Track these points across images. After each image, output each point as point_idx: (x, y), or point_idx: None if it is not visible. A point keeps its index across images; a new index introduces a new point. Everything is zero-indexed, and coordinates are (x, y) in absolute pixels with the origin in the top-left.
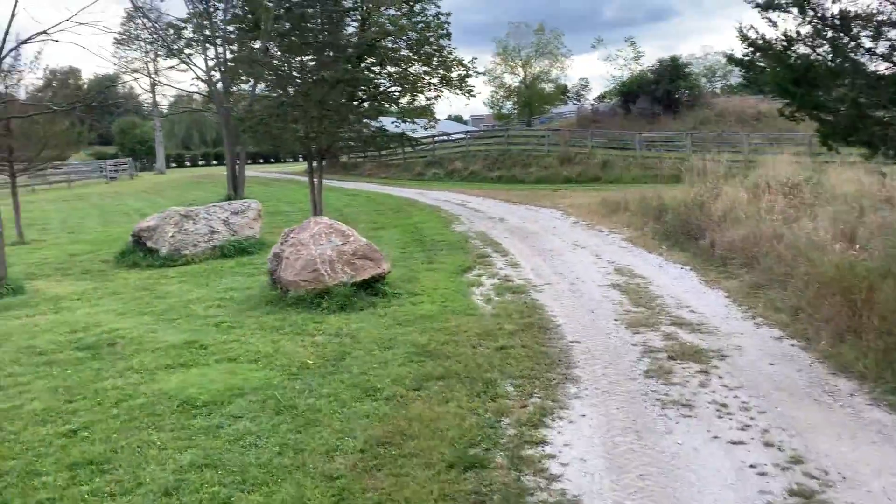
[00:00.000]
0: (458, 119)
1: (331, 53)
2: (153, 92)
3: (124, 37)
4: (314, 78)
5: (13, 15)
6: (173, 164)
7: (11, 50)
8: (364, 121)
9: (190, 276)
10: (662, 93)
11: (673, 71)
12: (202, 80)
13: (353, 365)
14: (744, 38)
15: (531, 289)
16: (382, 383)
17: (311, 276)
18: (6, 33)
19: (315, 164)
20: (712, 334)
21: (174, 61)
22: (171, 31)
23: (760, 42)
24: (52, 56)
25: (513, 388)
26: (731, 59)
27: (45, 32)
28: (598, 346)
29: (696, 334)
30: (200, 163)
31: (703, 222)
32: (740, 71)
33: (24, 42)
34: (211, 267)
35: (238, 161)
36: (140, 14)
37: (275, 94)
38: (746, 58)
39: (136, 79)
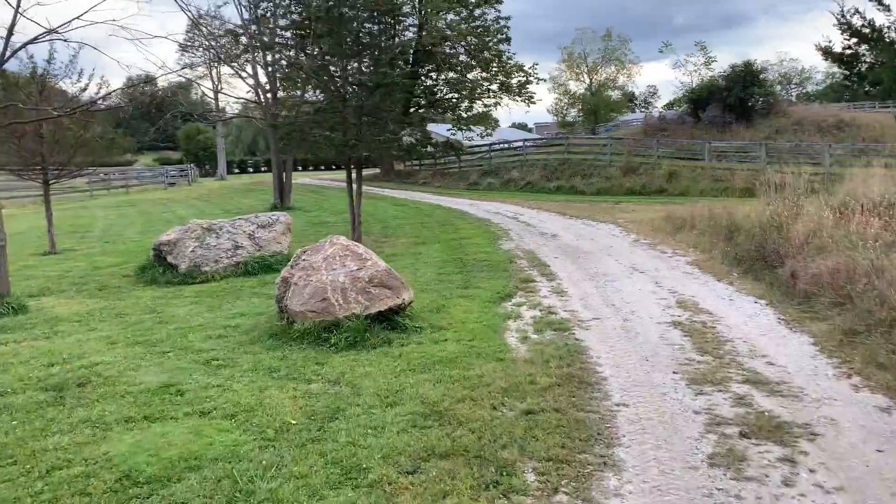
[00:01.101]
0: (523, 127)
1: (376, 55)
2: (216, 98)
3: (188, 44)
4: (353, 82)
5: (16, 14)
6: (236, 170)
7: (17, 49)
8: (406, 129)
9: (205, 296)
10: (735, 100)
11: (747, 77)
12: (251, 87)
13: (342, 429)
14: (845, 26)
15: (576, 325)
16: (371, 460)
17: (320, 305)
18: (9, 33)
19: (353, 173)
20: (797, 399)
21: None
22: (229, 37)
23: (867, 30)
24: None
25: (534, 478)
26: (827, 53)
27: (54, 31)
28: (650, 413)
29: (775, 398)
30: (263, 169)
31: (782, 247)
32: (840, 67)
33: (32, 41)
34: (230, 286)
35: (285, 169)
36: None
37: (313, 100)
38: (848, 51)
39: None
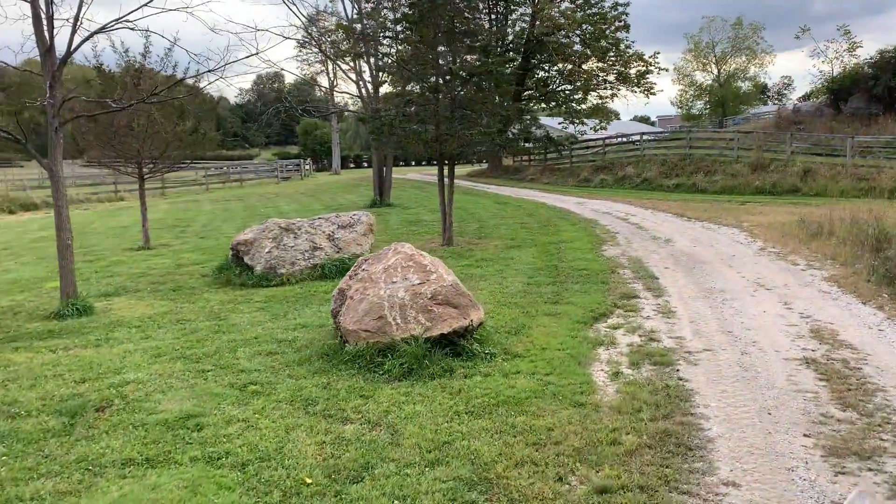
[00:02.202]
0: (644, 120)
1: (470, 43)
2: (331, 94)
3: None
4: (446, 72)
5: (81, 2)
6: (351, 165)
7: (86, 39)
8: (499, 122)
9: (275, 301)
10: (883, 90)
11: None
12: (353, 81)
13: (363, 497)
14: None
15: (682, 358)
16: None
17: (375, 324)
18: (75, 20)
19: (445, 170)
20: None
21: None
22: (339, 32)
23: None
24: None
25: None
26: None
27: (123, 19)
28: (768, 500)
29: None
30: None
31: None
32: None
33: (101, 31)
34: (303, 291)
35: (385, 164)
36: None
37: (405, 92)
38: None
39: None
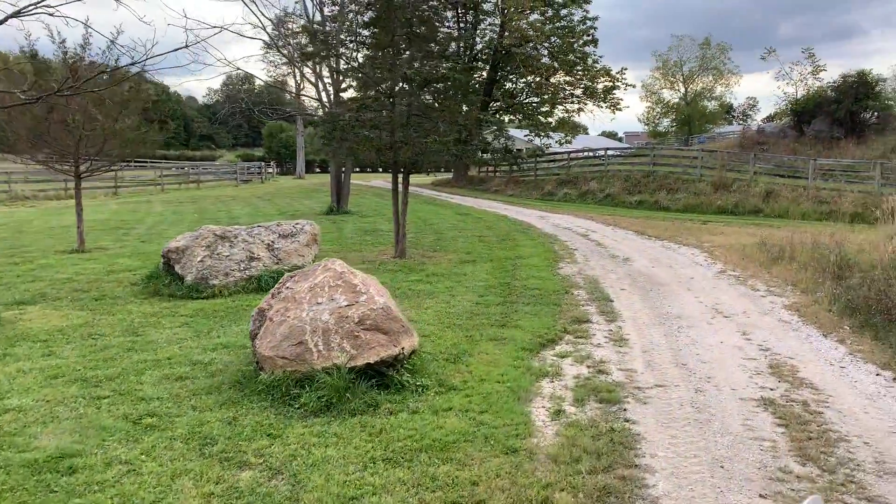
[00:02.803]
0: (612, 135)
1: (428, 48)
2: (298, 97)
3: (270, 43)
4: (402, 77)
5: None
6: (317, 170)
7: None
8: (456, 132)
9: (202, 315)
10: (845, 114)
11: (860, 88)
12: (311, 84)
13: None
14: None
15: (631, 395)
16: None
17: (294, 350)
18: None
19: (401, 178)
20: None
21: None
22: (304, 36)
23: None
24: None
25: None
26: None
27: (43, 4)
28: None
29: None
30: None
31: None
32: None
33: (18, 14)
34: (236, 304)
35: (344, 170)
36: (285, 20)
37: (362, 97)
38: None
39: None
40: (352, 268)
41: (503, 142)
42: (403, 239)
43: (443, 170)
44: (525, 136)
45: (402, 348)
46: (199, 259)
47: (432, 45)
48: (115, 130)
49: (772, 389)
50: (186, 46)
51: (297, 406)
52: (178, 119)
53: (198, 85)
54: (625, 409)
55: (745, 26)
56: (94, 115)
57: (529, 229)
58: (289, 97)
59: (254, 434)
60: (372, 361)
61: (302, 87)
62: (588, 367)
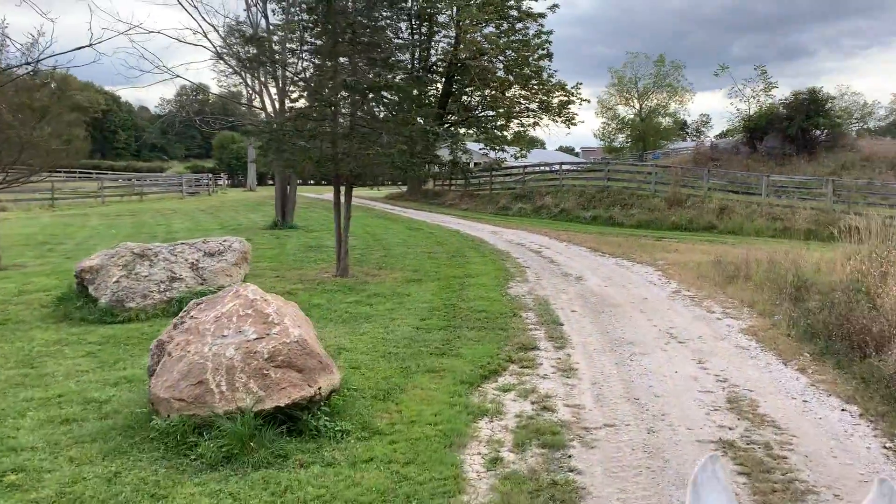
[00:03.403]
0: (569, 151)
1: (372, 56)
2: (249, 107)
3: (219, 50)
4: (343, 84)
5: None
6: (269, 182)
7: None
8: (401, 143)
9: (112, 343)
10: (796, 130)
11: (811, 106)
12: (255, 93)
13: None
14: None
15: (577, 438)
16: None
17: (193, 392)
18: None
19: (342, 192)
20: None
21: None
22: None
23: None
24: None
25: None
26: None
27: None
28: None
29: None
30: (298, 182)
31: (876, 324)
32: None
33: None
34: (152, 329)
35: (289, 182)
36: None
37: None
38: None
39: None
40: (266, 294)
41: (458, 155)
42: (346, 256)
43: (388, 183)
44: (480, 149)
45: (319, 388)
46: (114, 279)
47: (377, 52)
48: (32, 139)
49: (731, 429)
50: (90, 45)
51: (193, 457)
52: (128, 129)
53: (149, 94)
54: (570, 456)
55: (699, 45)
56: (7, 123)
57: (481, 245)
58: (243, 108)
59: (134, 496)
60: (282, 404)
61: (252, 97)
62: (532, 402)
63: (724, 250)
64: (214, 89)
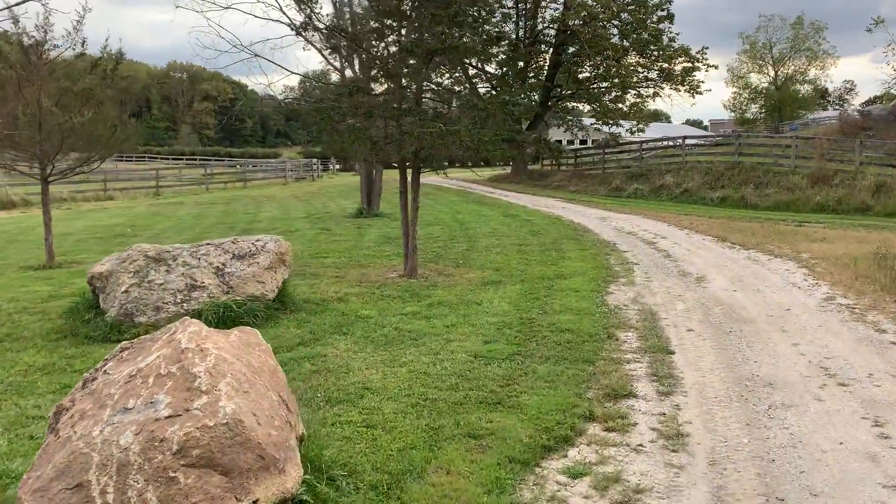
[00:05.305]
0: (697, 124)
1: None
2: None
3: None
4: (403, 48)
5: None
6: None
7: None
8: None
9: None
10: None
11: None
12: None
13: None
14: None
15: None
16: None
17: (67, 499)
18: None
19: (409, 179)
20: None
21: None
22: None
23: None
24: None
25: None
26: None
27: None
28: None
29: None
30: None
31: None
32: None
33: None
34: None
35: (375, 168)
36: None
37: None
38: None
39: None
40: (216, 336)
41: (575, 132)
42: (413, 253)
43: (458, 165)
44: (591, 124)
45: (255, 501)
46: (123, 289)
47: (443, 7)
48: (74, 126)
49: None
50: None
51: None
52: (254, 117)
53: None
54: None
55: (841, 5)
56: (48, 108)
57: (584, 235)
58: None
59: None
60: None
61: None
62: (612, 503)
63: (885, 238)
64: (335, 76)
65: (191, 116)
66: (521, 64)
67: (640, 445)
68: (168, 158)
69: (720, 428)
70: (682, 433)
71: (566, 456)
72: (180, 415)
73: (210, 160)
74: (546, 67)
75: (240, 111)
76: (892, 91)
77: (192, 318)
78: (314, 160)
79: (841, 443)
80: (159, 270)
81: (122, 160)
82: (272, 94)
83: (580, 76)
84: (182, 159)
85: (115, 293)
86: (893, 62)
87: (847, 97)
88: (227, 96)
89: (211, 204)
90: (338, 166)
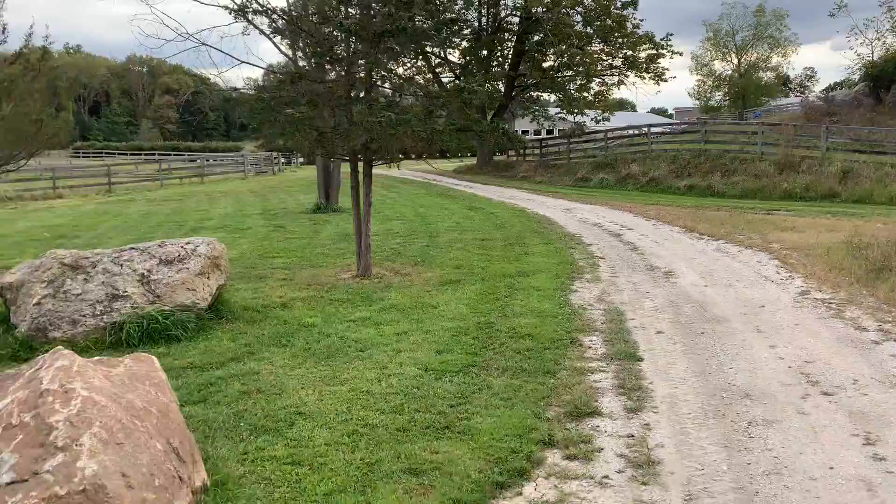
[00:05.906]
0: (662, 112)
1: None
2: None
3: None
4: (345, 30)
5: None
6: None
7: None
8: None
9: None
10: None
11: None
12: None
13: None
14: None
15: None
16: None
17: None
18: None
19: (360, 172)
20: None
21: None
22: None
23: None
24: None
25: None
26: None
27: None
28: None
29: None
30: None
31: None
32: None
33: None
34: None
35: (333, 161)
36: None
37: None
38: None
39: None
40: (74, 380)
41: (541, 122)
42: (367, 252)
43: (422, 157)
44: (556, 113)
45: None
46: (35, 301)
47: None
48: None
49: None
50: None
51: None
52: (217, 110)
53: (239, 74)
54: None
55: None
56: None
57: (549, 227)
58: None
59: None
60: None
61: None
62: None
63: (855, 226)
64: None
65: (152, 111)
66: (484, 52)
67: (606, 478)
68: (126, 154)
69: (695, 452)
70: (653, 460)
71: (521, 493)
72: (26, 480)
73: (169, 154)
74: (510, 56)
75: (200, 104)
76: (853, 77)
77: (112, 331)
78: (275, 153)
79: (831, 467)
80: (76, 279)
81: (77, 156)
82: (222, 86)
83: (544, 65)
84: (140, 154)
85: (26, 305)
86: (856, 47)
87: (808, 84)
88: (191, 90)
89: (163, 201)
90: (301, 160)
